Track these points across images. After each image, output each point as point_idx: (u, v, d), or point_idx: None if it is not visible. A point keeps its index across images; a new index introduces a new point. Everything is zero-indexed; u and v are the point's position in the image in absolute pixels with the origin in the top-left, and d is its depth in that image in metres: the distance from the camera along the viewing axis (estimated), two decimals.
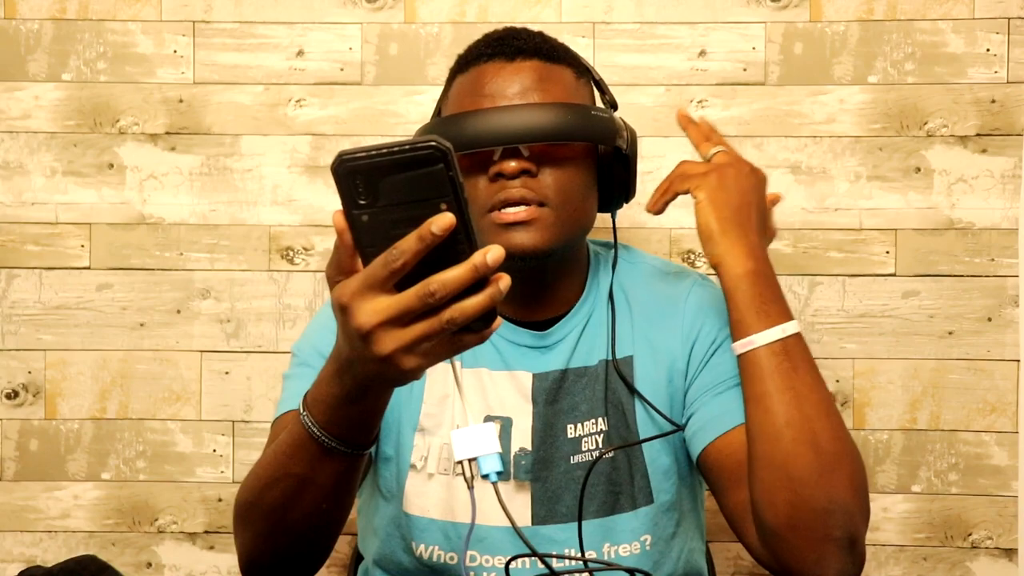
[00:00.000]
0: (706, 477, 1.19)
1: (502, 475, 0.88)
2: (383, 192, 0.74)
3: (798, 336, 1.11)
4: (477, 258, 0.75)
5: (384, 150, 0.73)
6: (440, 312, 0.76)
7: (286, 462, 0.96)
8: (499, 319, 0.79)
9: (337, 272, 0.80)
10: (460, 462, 0.84)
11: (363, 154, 0.74)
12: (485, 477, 0.84)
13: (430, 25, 1.69)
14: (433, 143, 0.73)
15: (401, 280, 0.76)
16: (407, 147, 0.73)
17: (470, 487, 0.84)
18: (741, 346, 1.10)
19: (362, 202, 0.75)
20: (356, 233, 0.76)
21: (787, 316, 1.11)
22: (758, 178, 1.18)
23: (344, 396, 0.88)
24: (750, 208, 1.15)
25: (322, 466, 0.93)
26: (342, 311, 0.78)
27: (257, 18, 1.69)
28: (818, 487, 1.03)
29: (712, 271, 1.28)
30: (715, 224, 1.14)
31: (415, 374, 0.81)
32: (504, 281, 0.77)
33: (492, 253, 0.75)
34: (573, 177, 1.18)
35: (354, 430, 0.91)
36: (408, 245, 0.74)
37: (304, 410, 0.92)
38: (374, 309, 0.77)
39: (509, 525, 0.86)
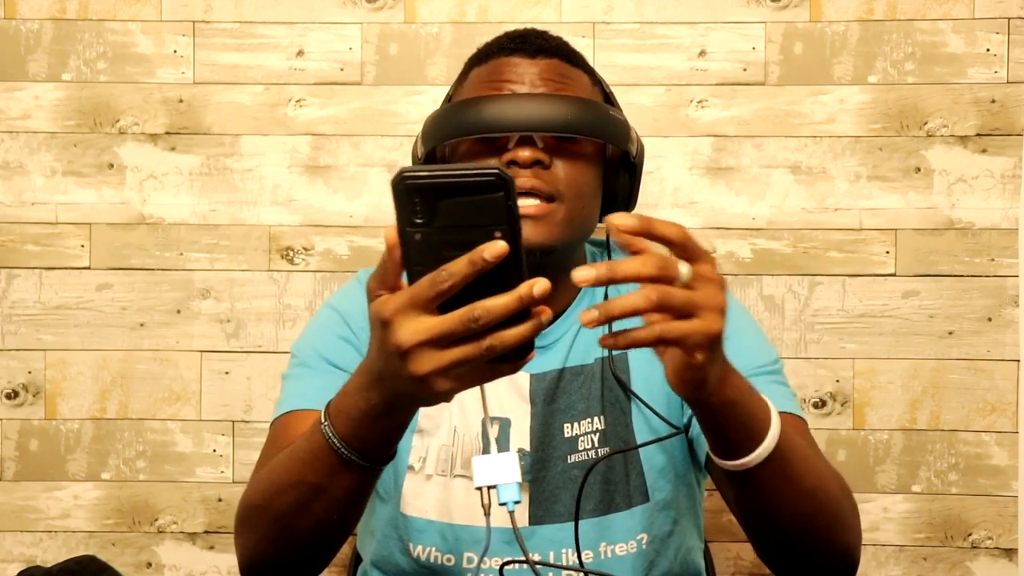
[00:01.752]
0: (714, 477, 1.19)
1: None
2: (440, 213, 0.75)
3: (779, 425, 0.93)
4: (524, 289, 0.75)
5: (447, 172, 0.74)
6: (480, 338, 0.76)
7: (301, 469, 0.95)
8: (534, 352, 0.79)
9: (380, 287, 0.79)
10: (479, 488, 0.84)
11: (425, 173, 0.74)
12: (503, 505, 0.84)
13: (430, 25, 1.69)
14: (497, 171, 0.74)
15: (444, 303, 0.76)
16: (470, 171, 0.74)
17: (487, 513, 0.84)
18: (732, 467, 0.94)
19: (418, 220, 0.75)
20: (407, 250, 0.76)
21: (768, 413, 0.94)
22: None
23: (370, 410, 0.87)
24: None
25: (338, 477, 0.92)
26: (382, 326, 0.78)
27: (257, 18, 1.69)
28: (814, 553, 1.03)
29: None
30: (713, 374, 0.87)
31: (446, 397, 0.81)
32: (546, 314, 0.77)
33: (539, 286, 0.75)
34: (584, 174, 1.18)
35: (375, 445, 0.90)
36: (457, 268, 0.74)
37: (325, 419, 0.91)
38: (415, 328, 0.76)
39: (506, 527, 0.86)
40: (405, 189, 0.75)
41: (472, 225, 0.75)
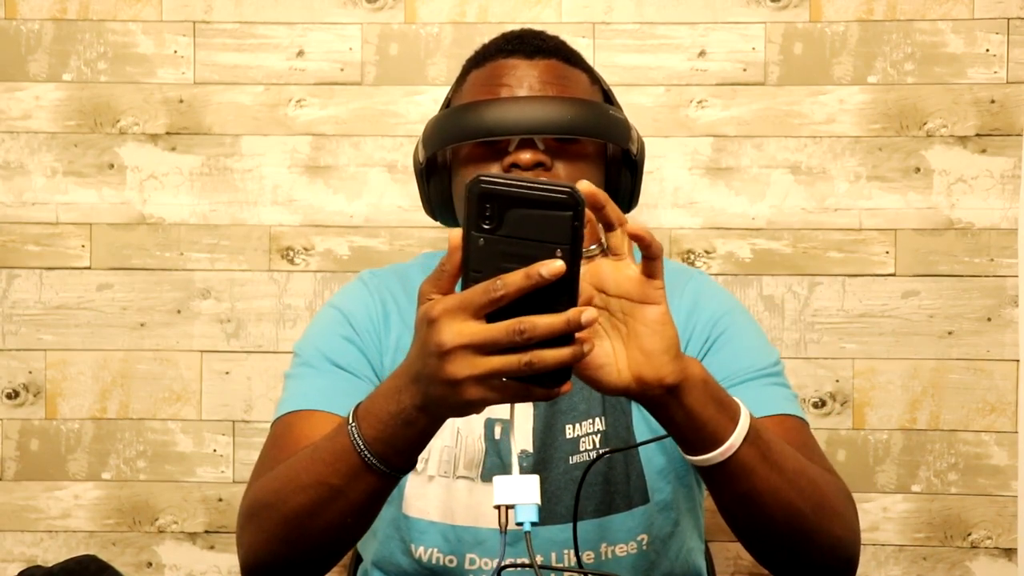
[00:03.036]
0: None
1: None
2: (507, 222, 0.77)
3: (744, 434, 0.93)
4: (573, 313, 0.77)
5: (523, 183, 0.77)
6: (521, 353, 0.77)
7: (322, 469, 0.95)
8: (570, 383, 0.80)
9: (433, 290, 0.80)
10: (497, 507, 0.85)
11: (501, 180, 0.77)
12: (519, 524, 0.84)
13: (430, 25, 1.69)
14: (570, 189, 0.76)
15: (492, 313, 0.77)
16: (545, 186, 0.77)
17: (503, 531, 0.84)
18: (721, 455, 0.92)
19: (485, 226, 0.77)
20: (468, 254, 0.78)
21: (735, 400, 0.95)
22: None
23: (399, 414, 0.87)
24: None
25: (358, 481, 0.92)
26: (428, 324, 0.79)
27: (257, 18, 1.69)
28: (802, 547, 1.02)
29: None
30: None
31: (475, 407, 0.82)
32: (588, 345, 0.79)
33: (587, 314, 0.77)
34: (585, 175, 1.18)
35: (399, 451, 0.90)
36: (513, 280, 0.76)
37: (352, 421, 0.91)
38: (460, 331, 0.78)
39: (510, 528, 0.86)
40: (479, 193, 0.77)
41: (536, 239, 0.77)
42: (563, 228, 0.76)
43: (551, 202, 0.76)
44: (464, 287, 0.79)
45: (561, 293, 0.77)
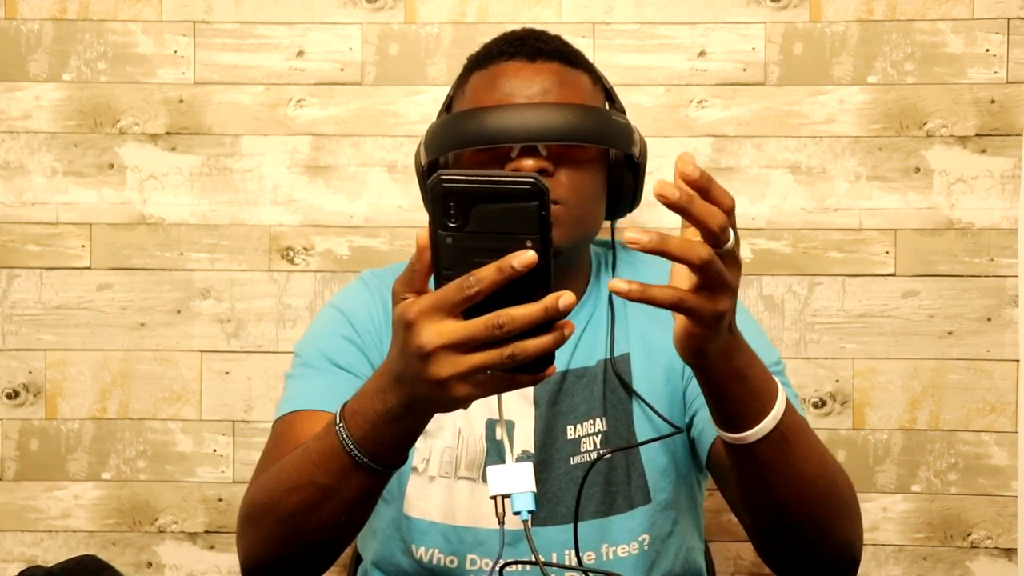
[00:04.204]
0: (714, 475, 1.19)
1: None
2: (473, 218, 0.76)
3: (784, 404, 0.94)
4: (550, 300, 0.76)
5: (484, 177, 0.76)
6: (503, 346, 0.77)
7: (312, 470, 0.95)
8: (553, 366, 0.80)
9: (406, 289, 0.80)
10: (494, 497, 0.85)
11: (463, 177, 0.76)
12: (517, 514, 0.85)
13: (430, 25, 1.69)
14: (533, 179, 0.76)
15: (469, 309, 0.77)
16: (507, 179, 0.76)
17: (501, 522, 0.85)
18: (739, 439, 0.93)
19: (451, 224, 0.76)
20: (437, 253, 0.78)
21: (775, 390, 0.94)
22: None
23: (386, 413, 0.87)
24: None
25: (349, 479, 0.92)
26: (406, 327, 0.79)
27: (257, 18, 1.69)
28: (814, 543, 1.03)
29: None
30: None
31: (463, 403, 0.82)
32: (569, 328, 0.78)
33: (564, 299, 0.77)
34: (587, 179, 1.19)
35: (388, 448, 0.90)
36: (486, 274, 0.76)
37: (340, 421, 0.91)
38: (439, 331, 0.77)
39: (511, 528, 0.87)
40: (441, 192, 0.76)
41: (504, 232, 0.76)
42: (530, 218, 0.76)
43: (515, 194, 0.76)
44: (437, 286, 0.78)
45: (535, 282, 0.76)
